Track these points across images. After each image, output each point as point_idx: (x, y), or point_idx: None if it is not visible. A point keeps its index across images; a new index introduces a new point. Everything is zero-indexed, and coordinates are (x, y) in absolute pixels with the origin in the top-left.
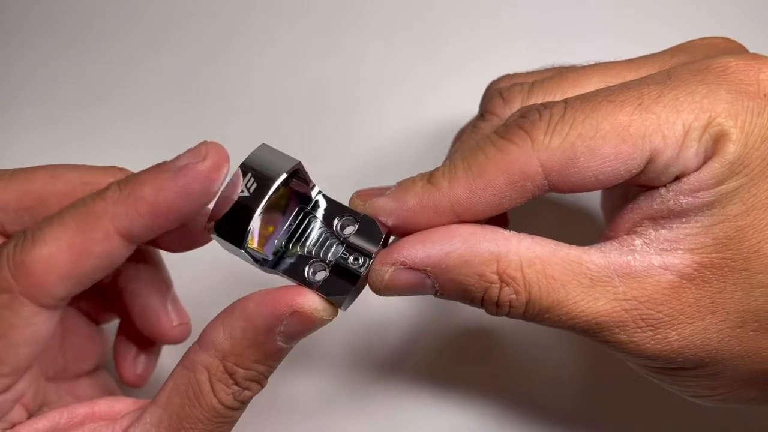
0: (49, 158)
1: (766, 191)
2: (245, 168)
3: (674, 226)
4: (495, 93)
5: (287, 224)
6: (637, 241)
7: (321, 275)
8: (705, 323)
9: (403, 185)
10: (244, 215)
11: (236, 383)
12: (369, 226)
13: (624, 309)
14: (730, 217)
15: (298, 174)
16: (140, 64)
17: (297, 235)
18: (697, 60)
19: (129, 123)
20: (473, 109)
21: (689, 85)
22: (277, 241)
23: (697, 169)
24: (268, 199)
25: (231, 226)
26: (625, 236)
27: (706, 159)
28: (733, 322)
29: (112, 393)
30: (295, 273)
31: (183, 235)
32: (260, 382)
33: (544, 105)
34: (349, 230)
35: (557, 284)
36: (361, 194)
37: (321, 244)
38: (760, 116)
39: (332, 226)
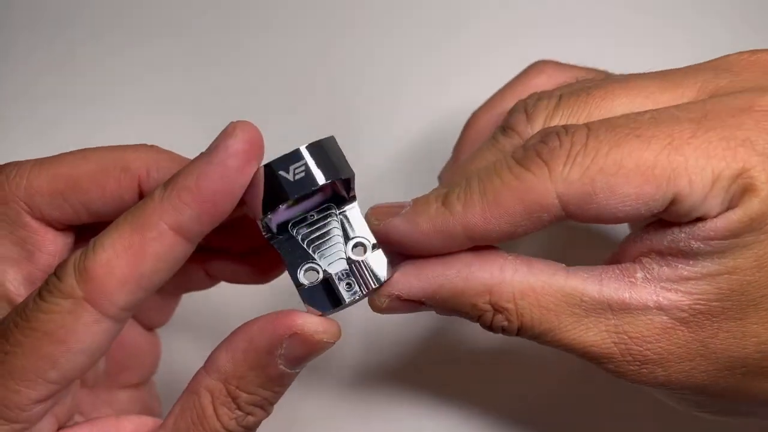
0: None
1: None
2: (298, 155)
3: (680, 265)
4: (520, 106)
5: (309, 208)
6: (639, 274)
7: (310, 279)
8: (693, 364)
9: (418, 206)
10: (275, 196)
11: (239, 407)
12: (377, 264)
13: (613, 342)
14: (738, 271)
15: (348, 184)
16: (140, 65)
17: (311, 223)
18: (742, 93)
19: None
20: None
21: (726, 129)
22: (290, 216)
23: (717, 215)
24: (303, 195)
25: (277, 187)
26: (629, 264)
27: (729, 208)
28: (721, 365)
29: (152, 411)
30: (288, 256)
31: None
32: (264, 407)
33: (566, 129)
34: (358, 253)
35: (550, 314)
36: (377, 211)
37: (327, 248)
38: None
39: (347, 240)
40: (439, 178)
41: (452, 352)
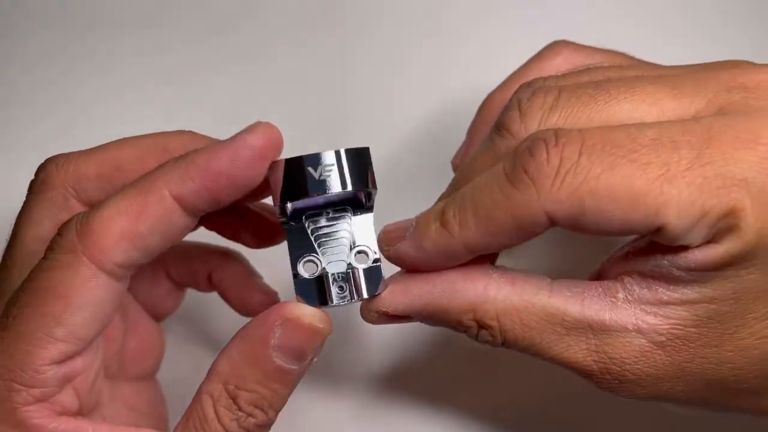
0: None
1: (764, 285)
2: (330, 156)
3: (660, 289)
4: (514, 102)
5: (326, 204)
6: (620, 294)
7: (308, 271)
8: (671, 384)
9: (420, 227)
10: (296, 188)
11: (239, 408)
12: (372, 277)
13: (593, 360)
14: (716, 301)
15: (369, 196)
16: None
17: (324, 219)
18: (750, 117)
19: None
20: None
21: (726, 164)
22: (306, 207)
23: (699, 246)
24: (322, 195)
25: (282, 187)
26: (611, 283)
27: (712, 241)
28: (698, 386)
29: (158, 407)
30: (294, 243)
31: (256, 225)
32: (264, 409)
33: (557, 137)
34: (359, 261)
35: (533, 332)
36: (386, 237)
37: (332, 248)
38: None
39: (352, 246)
40: (452, 163)
41: (454, 352)
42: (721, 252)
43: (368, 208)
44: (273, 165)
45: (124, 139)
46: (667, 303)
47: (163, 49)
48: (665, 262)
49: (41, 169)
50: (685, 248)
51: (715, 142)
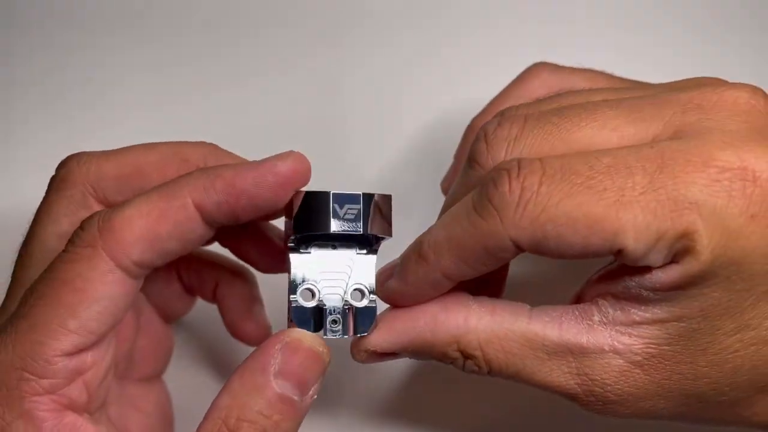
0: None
1: (727, 302)
2: (358, 199)
3: (632, 310)
4: (480, 135)
5: (335, 238)
6: (596, 317)
7: (304, 298)
8: (652, 402)
9: (404, 262)
10: (315, 220)
11: None
12: (365, 317)
13: (576, 383)
14: (685, 319)
15: (380, 240)
16: (137, 67)
17: (330, 251)
18: (704, 139)
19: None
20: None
21: (677, 187)
22: (315, 236)
23: (661, 267)
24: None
25: (303, 215)
26: (587, 306)
27: (674, 261)
28: (679, 402)
29: (164, 408)
30: (296, 269)
31: (265, 249)
32: None
33: (520, 168)
34: (355, 298)
35: (515, 358)
36: (379, 279)
37: (332, 281)
38: (738, 239)
39: (351, 283)
40: (441, 186)
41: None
42: (680, 272)
43: (373, 250)
44: (297, 194)
45: (146, 144)
46: (639, 323)
47: (172, 63)
48: (633, 283)
49: (62, 165)
50: (649, 269)
51: (667, 166)
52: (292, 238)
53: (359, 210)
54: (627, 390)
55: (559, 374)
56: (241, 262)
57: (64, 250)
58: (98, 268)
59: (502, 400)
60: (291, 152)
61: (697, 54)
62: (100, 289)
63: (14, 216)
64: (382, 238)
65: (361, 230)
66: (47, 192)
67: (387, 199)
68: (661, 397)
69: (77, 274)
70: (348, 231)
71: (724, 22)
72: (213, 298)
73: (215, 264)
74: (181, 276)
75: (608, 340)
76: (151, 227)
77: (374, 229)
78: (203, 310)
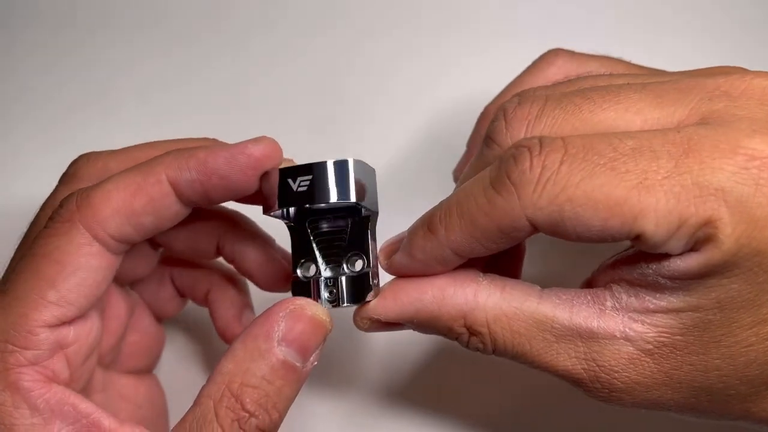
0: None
1: (747, 294)
2: (307, 169)
3: (647, 297)
4: (500, 113)
5: (326, 211)
6: (609, 303)
7: (304, 272)
8: (659, 392)
9: (410, 236)
10: (285, 197)
11: (243, 407)
12: (361, 285)
13: (583, 368)
14: (701, 309)
15: (365, 207)
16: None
17: (326, 224)
18: (731, 126)
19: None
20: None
21: (703, 172)
22: (305, 212)
23: (680, 254)
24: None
25: (282, 191)
26: (600, 291)
27: (694, 249)
28: (687, 393)
29: (155, 400)
30: (296, 245)
31: (268, 268)
32: (268, 409)
33: (542, 145)
34: (351, 268)
35: (522, 339)
36: (384, 251)
37: (329, 252)
38: (764, 230)
39: (348, 252)
40: (453, 174)
41: (450, 355)
42: (701, 261)
43: (365, 218)
44: (269, 173)
45: (150, 142)
46: (653, 311)
47: (163, 54)
48: (650, 270)
49: (73, 163)
50: (667, 256)
51: (693, 151)
52: (284, 217)
53: (311, 180)
54: (635, 378)
55: (566, 358)
56: (234, 269)
57: (45, 227)
58: (75, 241)
59: (510, 386)
60: (264, 137)
61: (708, 53)
62: (78, 261)
63: (14, 216)
64: (356, 205)
65: (315, 200)
66: (56, 186)
67: (342, 163)
68: (668, 388)
69: (55, 247)
70: (304, 203)
71: (739, 20)
72: (205, 302)
73: (208, 269)
74: (174, 279)
75: (620, 327)
76: (127, 201)
77: (335, 195)
78: (203, 309)
